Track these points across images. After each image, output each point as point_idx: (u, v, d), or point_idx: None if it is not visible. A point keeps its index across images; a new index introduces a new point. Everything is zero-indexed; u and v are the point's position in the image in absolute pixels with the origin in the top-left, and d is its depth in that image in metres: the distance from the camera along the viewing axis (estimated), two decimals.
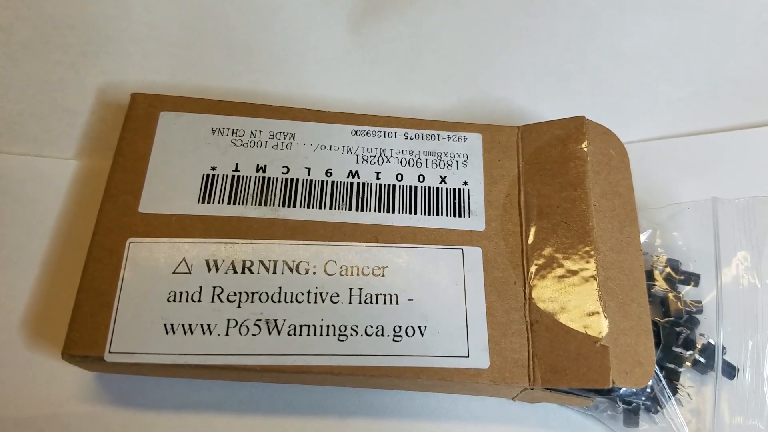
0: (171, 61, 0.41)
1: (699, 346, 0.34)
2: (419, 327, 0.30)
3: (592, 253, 0.31)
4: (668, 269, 0.35)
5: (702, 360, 0.33)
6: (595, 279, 0.31)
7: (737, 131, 0.41)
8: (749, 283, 0.33)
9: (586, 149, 0.34)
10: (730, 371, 0.33)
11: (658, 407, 0.32)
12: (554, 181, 0.34)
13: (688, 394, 0.33)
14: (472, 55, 0.43)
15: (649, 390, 0.32)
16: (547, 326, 0.31)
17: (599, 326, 0.30)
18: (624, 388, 0.32)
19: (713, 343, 0.33)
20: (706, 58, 0.42)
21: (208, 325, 0.30)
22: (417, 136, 0.35)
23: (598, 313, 0.30)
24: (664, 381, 0.32)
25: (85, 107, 0.40)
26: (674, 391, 0.33)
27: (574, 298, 0.31)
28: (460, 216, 0.33)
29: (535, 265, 0.32)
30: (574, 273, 0.31)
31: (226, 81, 0.42)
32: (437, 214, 0.33)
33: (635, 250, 0.32)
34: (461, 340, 0.30)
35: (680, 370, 0.33)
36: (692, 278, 0.35)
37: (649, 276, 0.35)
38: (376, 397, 0.34)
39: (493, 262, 0.32)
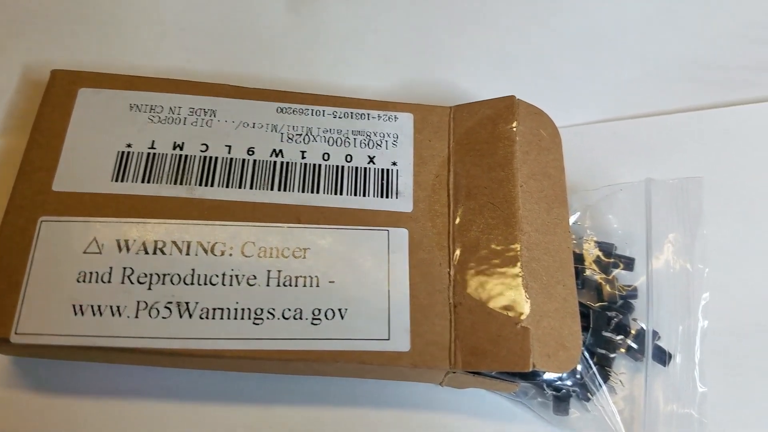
0: (99, 39, 0.40)
1: (633, 332, 0.33)
2: (339, 310, 0.29)
3: (517, 233, 0.30)
4: (601, 253, 0.34)
5: (635, 346, 0.33)
6: (518, 260, 0.30)
7: (682, 114, 0.41)
8: (681, 266, 0.33)
9: (515, 129, 0.33)
10: (663, 357, 0.32)
11: (589, 395, 0.32)
12: (483, 161, 0.33)
13: (621, 381, 0.32)
14: (414, 36, 0.42)
15: (578, 376, 0.32)
16: (469, 308, 0.30)
17: (520, 308, 0.29)
18: (551, 374, 0.31)
19: (647, 329, 0.33)
20: (651, 40, 0.42)
21: (118, 307, 0.29)
22: (346, 115, 0.34)
23: (519, 294, 0.29)
24: (594, 367, 0.32)
25: (9, 85, 0.39)
26: (606, 377, 0.32)
27: (497, 280, 0.30)
28: (387, 197, 0.32)
29: (461, 246, 0.31)
30: (498, 254, 0.30)
31: (156, 60, 0.40)
32: (364, 195, 0.32)
33: (563, 232, 0.32)
34: (382, 323, 0.29)
35: (612, 356, 0.32)
36: (626, 262, 0.34)
37: (582, 260, 0.34)
38: (304, 384, 0.33)
39: (419, 244, 0.31)
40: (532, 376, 0.30)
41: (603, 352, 0.32)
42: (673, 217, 0.33)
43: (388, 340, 0.29)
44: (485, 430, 0.32)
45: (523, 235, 0.31)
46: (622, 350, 0.33)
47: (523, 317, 0.29)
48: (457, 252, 0.31)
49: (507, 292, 0.29)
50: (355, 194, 0.32)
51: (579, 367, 0.32)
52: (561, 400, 0.31)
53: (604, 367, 0.32)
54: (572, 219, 0.35)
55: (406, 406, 0.32)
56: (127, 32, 0.40)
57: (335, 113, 0.34)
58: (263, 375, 0.33)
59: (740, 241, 0.37)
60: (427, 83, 0.42)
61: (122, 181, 0.31)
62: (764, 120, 0.40)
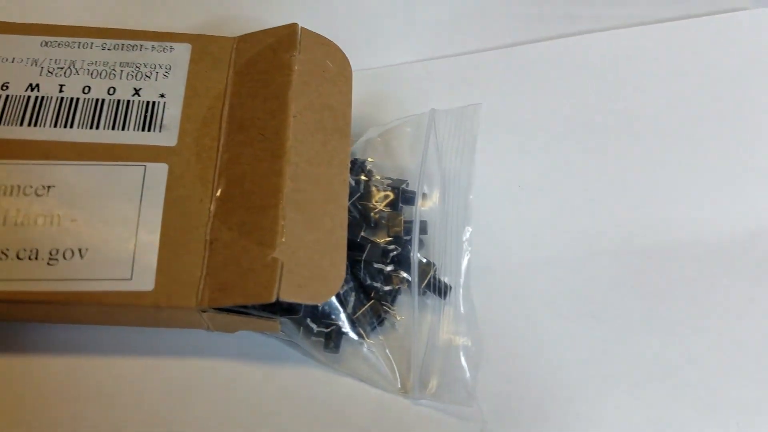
0: None
1: (417, 267, 0.31)
2: (79, 250, 0.27)
3: (283, 165, 0.29)
4: (389, 188, 0.33)
5: (408, 278, 0.31)
6: (280, 192, 0.28)
7: (499, 50, 0.39)
8: (451, 195, 0.31)
9: (294, 58, 0.31)
10: (442, 289, 0.31)
11: (362, 331, 0.30)
12: (260, 92, 0.31)
13: (397, 316, 0.31)
14: None
15: (351, 312, 0.30)
16: (225, 243, 0.28)
17: (274, 240, 0.27)
18: (319, 309, 0.30)
19: (426, 261, 0.31)
20: None
21: None
22: (117, 47, 0.32)
23: (275, 225, 0.27)
24: (368, 303, 0.30)
25: None
26: (380, 313, 0.30)
27: (255, 213, 0.28)
28: (149, 130, 0.30)
29: (226, 180, 0.29)
30: (261, 186, 0.29)
31: None
32: (123, 129, 0.30)
33: (339, 164, 0.30)
34: (126, 263, 0.28)
35: (387, 288, 0.31)
36: (413, 197, 0.32)
37: (369, 196, 0.32)
38: (63, 333, 0.31)
39: (180, 179, 0.29)
40: (290, 311, 0.28)
41: (377, 285, 0.31)
42: (450, 147, 0.32)
43: (130, 279, 0.27)
44: (255, 372, 0.30)
45: (289, 167, 0.29)
46: (405, 286, 0.31)
47: (275, 249, 0.27)
48: (221, 187, 0.29)
49: (264, 224, 0.28)
50: (114, 128, 0.30)
51: (352, 302, 0.30)
52: (331, 337, 0.30)
53: (381, 302, 0.31)
54: (361, 154, 0.33)
55: (172, 353, 0.30)
56: None
57: (104, 45, 0.32)
58: (34, 326, 0.31)
59: (513, 173, 0.36)
60: (236, 20, 0.40)
61: None
62: (580, 53, 0.39)
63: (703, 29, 0.40)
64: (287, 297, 0.26)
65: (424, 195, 0.33)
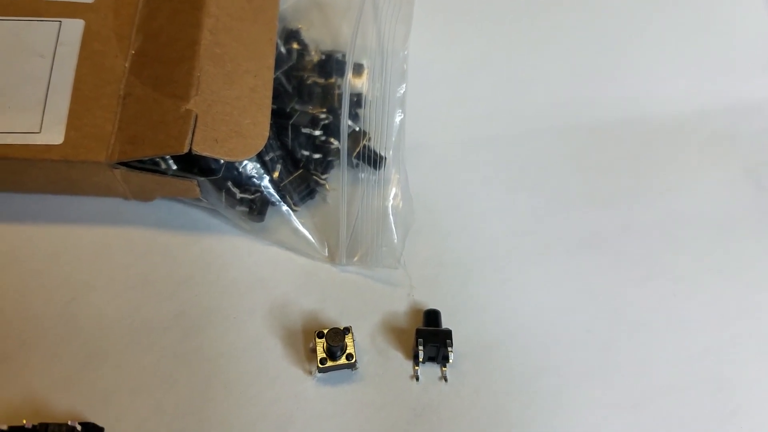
0: None
1: (346, 133, 0.29)
2: None
3: (202, 17, 0.27)
4: (320, 57, 0.31)
5: (341, 146, 0.29)
6: (197, 44, 0.27)
7: None
8: (390, 60, 0.30)
9: None
10: (375, 160, 0.29)
11: (290, 199, 0.29)
12: None
13: (328, 187, 0.30)
14: None
15: (278, 180, 0.29)
16: (138, 98, 0.27)
17: (188, 92, 0.26)
18: (241, 173, 0.28)
19: (357, 130, 0.30)
20: None
21: None
22: None
23: (190, 78, 0.26)
24: (295, 170, 0.29)
25: None
26: (310, 182, 0.29)
27: (170, 65, 0.27)
28: None
29: (143, 36, 0.28)
30: (177, 39, 0.27)
31: None
32: None
33: (266, 22, 0.29)
34: (36, 116, 0.26)
35: (317, 157, 0.30)
36: (356, 69, 0.31)
37: (300, 65, 0.31)
38: None
39: (96, 35, 0.28)
40: (208, 171, 0.27)
41: (307, 154, 0.29)
42: (386, 8, 0.30)
43: (38, 133, 0.26)
44: (171, 240, 0.29)
45: (209, 19, 0.27)
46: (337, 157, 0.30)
47: (188, 101, 0.26)
48: (138, 42, 0.28)
49: (178, 77, 0.26)
50: None
51: (279, 169, 0.29)
52: (255, 204, 0.28)
53: (310, 170, 0.30)
54: (294, 22, 0.32)
55: (87, 221, 0.29)
56: None
57: None
58: None
59: (457, 51, 0.35)
60: None
61: None
62: None
63: None
64: (201, 150, 0.25)
65: (360, 66, 0.31)
